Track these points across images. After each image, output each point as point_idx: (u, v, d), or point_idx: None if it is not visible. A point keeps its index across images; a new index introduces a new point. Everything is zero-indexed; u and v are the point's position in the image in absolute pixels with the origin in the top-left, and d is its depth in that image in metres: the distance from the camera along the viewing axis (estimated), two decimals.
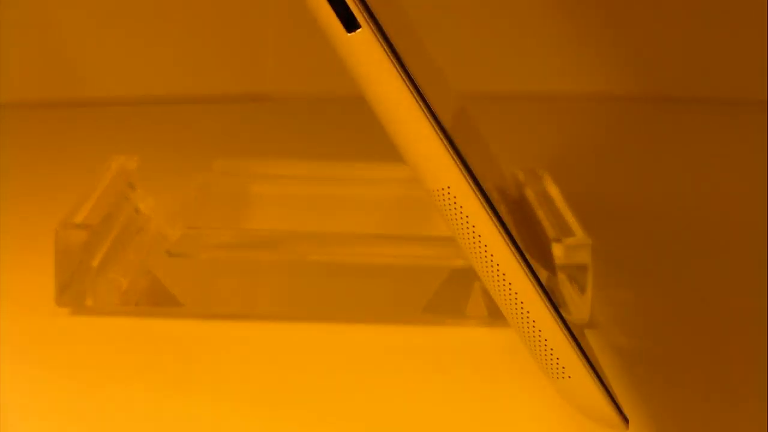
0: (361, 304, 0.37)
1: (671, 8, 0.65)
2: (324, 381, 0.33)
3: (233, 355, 0.35)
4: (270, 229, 0.38)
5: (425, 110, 0.25)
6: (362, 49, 0.25)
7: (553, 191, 0.40)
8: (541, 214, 0.38)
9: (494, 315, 0.37)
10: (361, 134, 0.43)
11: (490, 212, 0.26)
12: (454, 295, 0.37)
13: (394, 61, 0.25)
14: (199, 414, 0.31)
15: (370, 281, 0.37)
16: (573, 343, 0.26)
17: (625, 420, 0.27)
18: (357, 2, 0.25)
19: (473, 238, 0.26)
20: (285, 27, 0.62)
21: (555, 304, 0.26)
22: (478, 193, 0.26)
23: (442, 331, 0.36)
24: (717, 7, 0.64)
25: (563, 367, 0.26)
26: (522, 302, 0.26)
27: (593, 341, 0.35)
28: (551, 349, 0.26)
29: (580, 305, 0.36)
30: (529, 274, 0.26)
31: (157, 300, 0.37)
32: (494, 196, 0.26)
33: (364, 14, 0.25)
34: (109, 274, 0.36)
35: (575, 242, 0.36)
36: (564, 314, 0.26)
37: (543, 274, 0.32)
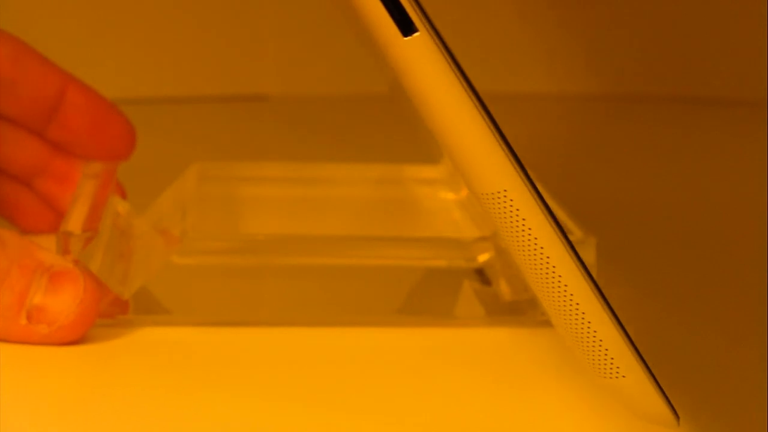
0: (360, 305, 0.37)
1: (672, 8, 0.65)
2: (321, 385, 0.33)
3: (225, 361, 0.34)
4: (262, 233, 0.38)
5: (483, 114, 0.25)
6: (419, 53, 0.25)
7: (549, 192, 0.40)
8: None
9: (493, 315, 0.37)
10: (359, 135, 0.43)
11: (547, 215, 0.26)
12: (454, 295, 0.37)
13: (451, 64, 0.25)
14: (193, 420, 0.31)
15: (370, 282, 0.37)
16: (629, 344, 0.26)
17: (677, 417, 0.27)
18: (413, 6, 0.25)
19: (529, 241, 0.26)
20: (284, 27, 0.62)
21: (609, 304, 0.26)
22: (535, 196, 0.26)
23: (441, 332, 0.36)
24: (716, 7, 0.65)
25: (618, 367, 0.26)
26: (578, 304, 0.26)
27: None
28: (606, 350, 0.26)
29: None
30: (585, 276, 0.26)
31: (148, 307, 0.36)
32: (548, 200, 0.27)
33: (421, 18, 0.25)
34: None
35: (578, 240, 0.36)
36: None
37: None
